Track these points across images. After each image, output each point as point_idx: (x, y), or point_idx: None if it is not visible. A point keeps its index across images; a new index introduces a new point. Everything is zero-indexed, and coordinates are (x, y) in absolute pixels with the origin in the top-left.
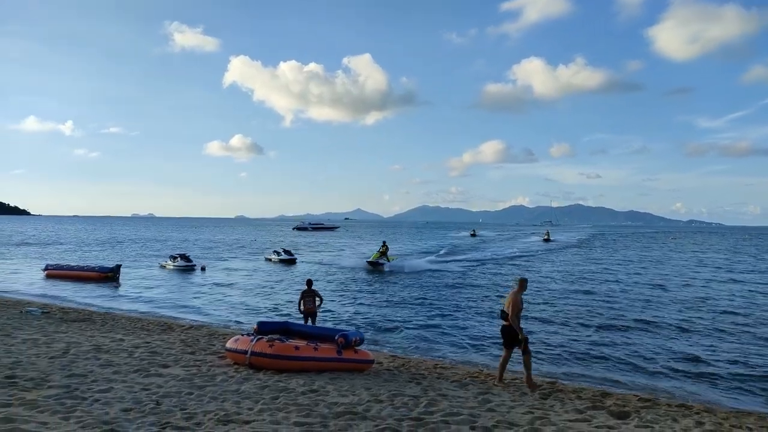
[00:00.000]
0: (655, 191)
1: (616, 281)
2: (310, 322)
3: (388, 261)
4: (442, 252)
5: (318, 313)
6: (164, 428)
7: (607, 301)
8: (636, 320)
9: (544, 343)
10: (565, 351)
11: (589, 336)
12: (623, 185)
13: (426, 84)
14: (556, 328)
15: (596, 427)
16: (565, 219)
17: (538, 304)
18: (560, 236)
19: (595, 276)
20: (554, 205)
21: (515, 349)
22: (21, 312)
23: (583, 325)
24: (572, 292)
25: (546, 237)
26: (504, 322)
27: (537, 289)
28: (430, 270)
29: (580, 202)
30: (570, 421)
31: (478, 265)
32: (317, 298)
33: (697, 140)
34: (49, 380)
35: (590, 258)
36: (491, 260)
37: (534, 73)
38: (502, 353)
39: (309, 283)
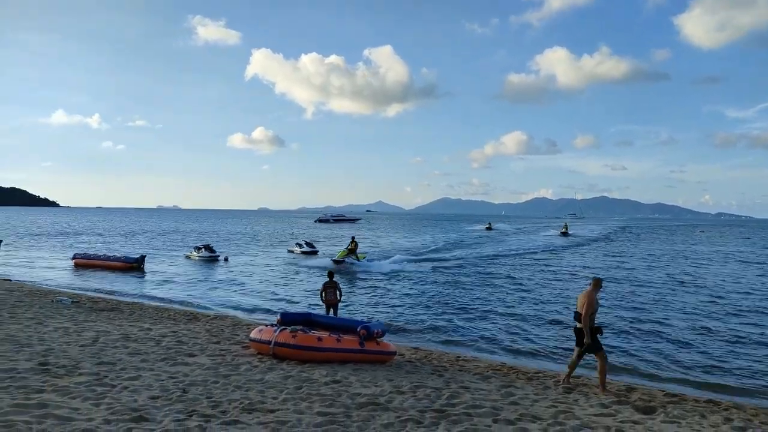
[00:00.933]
0: (683, 183)
1: (638, 277)
2: (331, 313)
3: (358, 259)
4: (432, 248)
5: (339, 304)
6: (191, 415)
7: (629, 296)
8: (662, 315)
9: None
10: None
11: (615, 330)
12: (649, 177)
13: (447, 75)
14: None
15: (621, 421)
16: (589, 211)
17: (554, 301)
18: (580, 230)
19: (615, 272)
20: (578, 197)
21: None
22: (52, 301)
23: (608, 317)
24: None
25: (564, 230)
26: (578, 324)
27: (551, 286)
28: (393, 271)
29: (605, 194)
30: (594, 415)
31: (459, 265)
32: (338, 291)
33: (726, 131)
34: (80, 368)
35: (611, 252)
36: (487, 258)
37: (557, 63)
38: (574, 352)
39: (330, 275)
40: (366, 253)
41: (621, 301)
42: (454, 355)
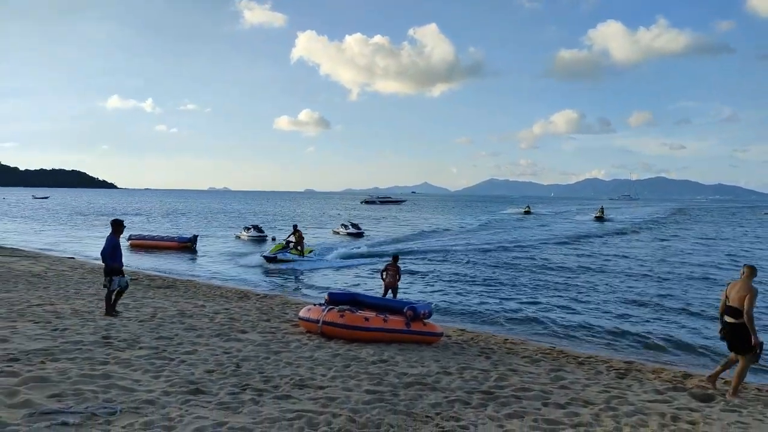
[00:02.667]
0: (746, 163)
1: (691, 261)
2: (389, 295)
3: (301, 255)
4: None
5: (398, 287)
6: (244, 389)
7: (679, 281)
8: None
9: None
10: (638, 335)
11: (671, 314)
12: (710, 156)
13: (494, 53)
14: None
15: (677, 408)
16: (644, 193)
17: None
18: (627, 213)
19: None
20: (633, 177)
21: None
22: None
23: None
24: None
25: (599, 214)
26: (730, 320)
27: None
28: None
29: (663, 175)
30: (649, 401)
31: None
32: (398, 273)
33: None
34: (140, 342)
35: (657, 238)
36: (473, 250)
37: (611, 37)
38: (729, 356)
39: (395, 258)
40: (314, 247)
41: (672, 286)
42: (501, 337)
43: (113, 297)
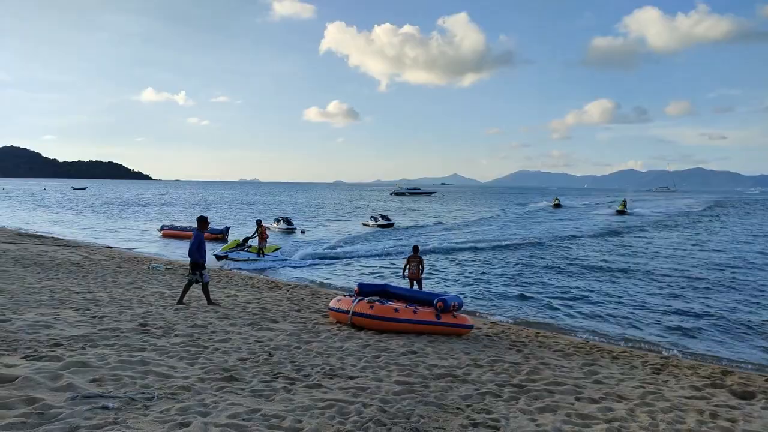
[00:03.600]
0: None
1: (731, 257)
2: (415, 287)
3: (259, 255)
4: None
5: (422, 279)
6: (276, 377)
7: (717, 278)
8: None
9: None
10: (675, 326)
11: (708, 311)
12: (752, 146)
13: (526, 41)
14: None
15: (716, 405)
16: (683, 184)
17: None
18: (648, 208)
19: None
20: (670, 168)
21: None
22: (148, 267)
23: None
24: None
25: (621, 208)
26: None
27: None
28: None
29: (701, 166)
30: (686, 397)
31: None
32: (421, 265)
33: None
34: (176, 329)
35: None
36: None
37: (648, 24)
38: None
39: (415, 249)
40: (280, 245)
41: (711, 284)
42: (533, 331)
43: (205, 292)
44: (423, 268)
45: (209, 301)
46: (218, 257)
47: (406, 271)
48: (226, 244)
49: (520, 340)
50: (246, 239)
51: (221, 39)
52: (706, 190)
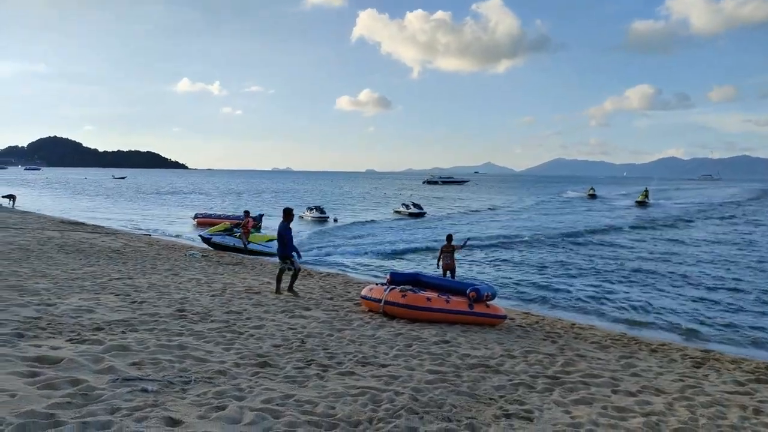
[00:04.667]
0: None
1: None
2: (448, 277)
3: (245, 245)
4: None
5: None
6: (309, 364)
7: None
8: None
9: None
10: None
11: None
12: None
13: (562, 26)
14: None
15: (760, 401)
16: (727, 172)
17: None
18: (706, 194)
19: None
20: (714, 156)
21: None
22: (185, 255)
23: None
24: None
25: (641, 199)
26: None
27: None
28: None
29: (747, 153)
30: (728, 392)
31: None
32: (455, 255)
33: None
34: (212, 315)
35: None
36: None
37: (691, 6)
38: None
39: (449, 238)
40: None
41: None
42: (568, 322)
43: (291, 279)
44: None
45: (290, 288)
46: (204, 239)
47: (441, 261)
48: (213, 227)
49: (554, 331)
50: (234, 227)
51: (253, 29)
52: (752, 178)
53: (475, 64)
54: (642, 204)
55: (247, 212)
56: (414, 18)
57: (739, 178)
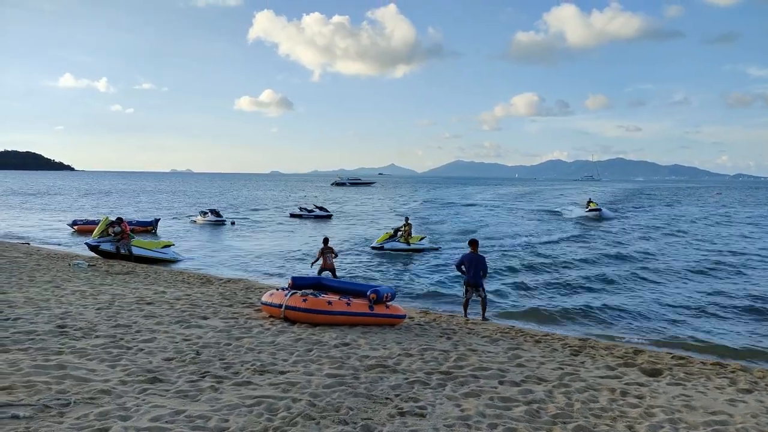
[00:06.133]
0: (699, 144)
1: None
2: (329, 275)
3: (119, 251)
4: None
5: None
6: (204, 376)
7: (635, 261)
8: (667, 280)
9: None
10: (593, 311)
11: (621, 293)
12: (665, 138)
13: (454, 34)
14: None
15: (626, 384)
16: (605, 174)
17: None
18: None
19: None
20: (593, 158)
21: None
22: (69, 265)
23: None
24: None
25: (591, 207)
26: None
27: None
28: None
29: (621, 156)
30: (600, 377)
31: None
32: (333, 255)
33: (743, 90)
34: (97, 330)
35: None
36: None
37: (566, 21)
38: None
39: (326, 240)
40: (173, 242)
41: (629, 265)
42: (463, 318)
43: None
44: (336, 255)
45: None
46: (91, 247)
47: (319, 261)
48: (96, 230)
49: (450, 327)
50: (117, 233)
51: (142, 20)
52: (626, 179)
53: (374, 68)
54: (595, 211)
55: (120, 218)
56: (312, 21)
57: (616, 179)
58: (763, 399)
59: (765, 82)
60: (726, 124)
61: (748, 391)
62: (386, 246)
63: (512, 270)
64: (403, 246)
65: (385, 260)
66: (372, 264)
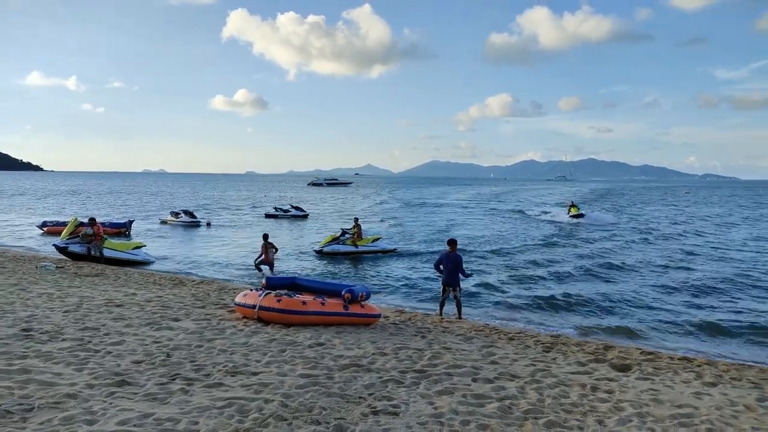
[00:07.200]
0: (668, 145)
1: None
2: (269, 271)
3: (97, 254)
4: None
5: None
6: (174, 379)
7: (599, 259)
8: (634, 277)
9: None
10: (566, 305)
11: (591, 291)
12: (636, 139)
13: (430, 35)
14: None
15: (597, 379)
16: (578, 174)
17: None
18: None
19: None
20: (567, 159)
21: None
22: (36, 267)
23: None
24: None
25: (573, 212)
26: None
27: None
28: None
29: (593, 157)
30: (571, 373)
31: None
32: (273, 249)
33: (711, 92)
34: (64, 333)
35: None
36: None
37: (539, 23)
38: None
39: (266, 236)
40: (144, 243)
41: (594, 265)
42: (438, 317)
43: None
44: (277, 251)
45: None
46: (59, 248)
47: (261, 257)
48: (64, 232)
49: (425, 326)
50: (89, 234)
51: (114, 20)
52: (598, 179)
53: (350, 69)
54: (576, 217)
55: (92, 219)
56: (286, 20)
57: (588, 179)
58: (727, 392)
59: (732, 84)
60: (695, 125)
61: (713, 385)
62: (325, 249)
63: (485, 270)
64: (348, 248)
65: (326, 262)
66: (316, 267)
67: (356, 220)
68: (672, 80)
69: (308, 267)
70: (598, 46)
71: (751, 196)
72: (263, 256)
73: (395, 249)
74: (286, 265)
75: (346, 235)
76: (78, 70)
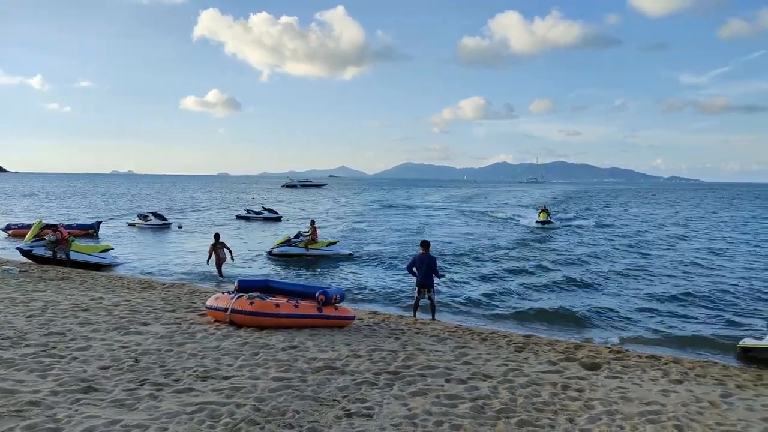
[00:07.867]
0: (636, 148)
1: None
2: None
3: (58, 256)
4: None
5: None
6: (142, 384)
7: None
8: (608, 278)
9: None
10: (539, 307)
11: (563, 290)
12: (605, 142)
13: (403, 37)
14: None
15: (567, 378)
16: (548, 176)
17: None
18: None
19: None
20: (538, 161)
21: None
22: None
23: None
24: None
25: (543, 218)
26: None
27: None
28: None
29: (563, 159)
30: (543, 372)
31: None
32: (226, 250)
33: (677, 97)
34: (27, 339)
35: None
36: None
37: (508, 27)
38: None
39: (217, 236)
40: (111, 245)
41: (570, 264)
42: (412, 319)
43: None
44: (231, 252)
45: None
46: (23, 252)
47: (212, 256)
48: (29, 234)
49: (399, 328)
50: (53, 241)
51: (81, 18)
52: (568, 181)
53: (324, 70)
54: (546, 223)
55: (55, 226)
56: (259, 21)
57: (559, 181)
58: (692, 389)
59: (696, 90)
60: (661, 128)
61: (679, 382)
62: (275, 251)
63: (458, 271)
64: (299, 251)
65: (278, 264)
66: (265, 269)
67: (312, 222)
68: (639, 84)
69: (259, 269)
70: (568, 50)
71: (715, 198)
72: (213, 256)
73: (351, 254)
74: (237, 270)
75: (300, 238)
76: (44, 69)
